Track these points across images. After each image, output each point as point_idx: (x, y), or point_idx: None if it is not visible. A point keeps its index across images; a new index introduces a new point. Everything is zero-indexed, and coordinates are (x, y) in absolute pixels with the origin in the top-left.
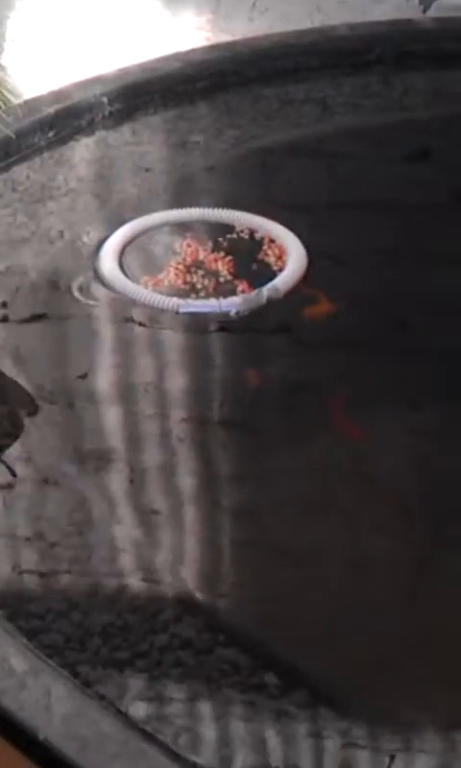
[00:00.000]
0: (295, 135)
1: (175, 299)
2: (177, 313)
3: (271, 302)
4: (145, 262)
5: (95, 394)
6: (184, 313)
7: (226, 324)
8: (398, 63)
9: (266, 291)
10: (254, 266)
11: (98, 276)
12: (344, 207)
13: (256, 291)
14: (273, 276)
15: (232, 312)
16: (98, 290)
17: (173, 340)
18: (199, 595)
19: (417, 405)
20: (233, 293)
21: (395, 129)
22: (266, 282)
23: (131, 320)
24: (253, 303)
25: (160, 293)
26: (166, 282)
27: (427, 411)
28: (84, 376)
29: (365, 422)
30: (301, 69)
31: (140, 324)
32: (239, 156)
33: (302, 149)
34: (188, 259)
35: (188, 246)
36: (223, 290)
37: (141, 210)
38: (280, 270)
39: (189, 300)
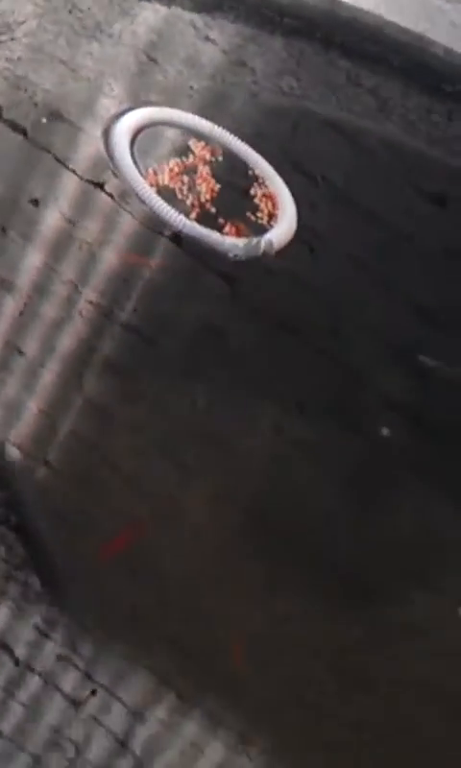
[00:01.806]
0: None
1: (182, 216)
2: (179, 232)
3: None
4: (154, 150)
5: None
6: (184, 233)
7: (185, 243)
8: None
9: (263, 243)
10: (239, 208)
11: (108, 150)
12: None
13: (256, 240)
14: (256, 227)
15: (231, 254)
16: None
17: (130, 226)
18: None
19: None
20: (215, 222)
21: None
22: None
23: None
24: (249, 252)
25: (153, 189)
26: (162, 181)
27: None
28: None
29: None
30: None
31: (110, 195)
32: None
33: None
34: (190, 161)
35: (202, 148)
36: (208, 216)
37: (173, 101)
38: (268, 223)
39: (194, 225)
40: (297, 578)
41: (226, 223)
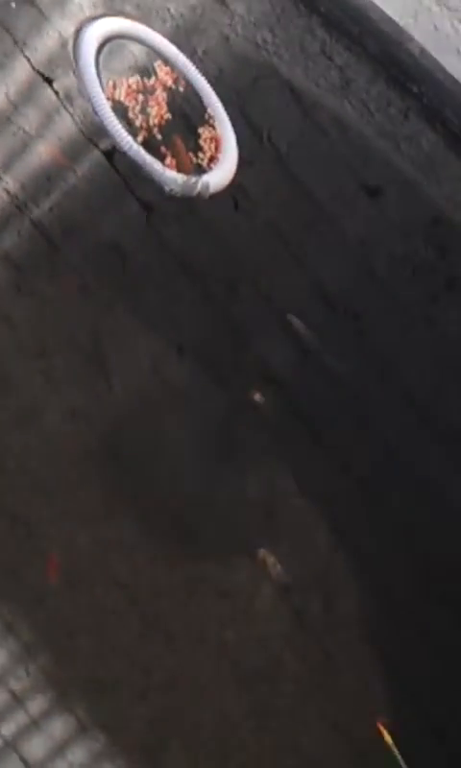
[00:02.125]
0: None
1: (130, 138)
2: (123, 152)
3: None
4: (117, 63)
5: None
6: (128, 154)
7: (116, 160)
8: None
9: (200, 185)
10: (185, 145)
11: (74, 52)
12: None
13: (195, 180)
14: (194, 166)
15: (167, 188)
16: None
17: (68, 130)
18: None
19: None
20: (157, 150)
21: None
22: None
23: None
24: (185, 190)
25: (109, 102)
26: (118, 95)
27: None
28: None
29: None
30: None
31: (56, 93)
32: None
33: None
34: (151, 82)
35: (166, 73)
36: (151, 142)
37: (147, 18)
38: (207, 165)
39: (140, 149)
40: (132, 513)
41: (167, 153)
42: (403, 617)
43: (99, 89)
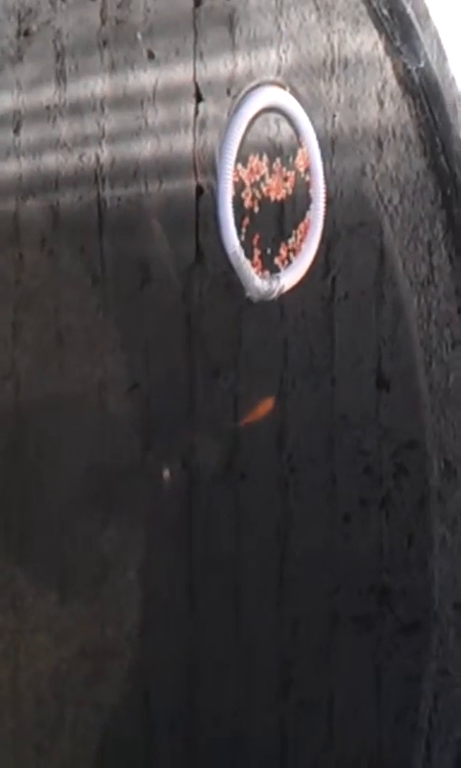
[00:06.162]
0: None
1: (236, 240)
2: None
3: None
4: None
5: None
6: (228, 254)
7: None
8: None
9: (276, 293)
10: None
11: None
12: None
13: (273, 286)
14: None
15: (247, 293)
16: None
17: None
18: None
19: None
20: (249, 240)
21: None
22: None
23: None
24: (262, 297)
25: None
26: (243, 174)
27: None
28: None
29: None
30: None
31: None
32: None
33: None
34: (280, 167)
35: (301, 158)
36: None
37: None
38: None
39: (241, 253)
40: None
41: (253, 248)
42: None
43: (229, 171)
